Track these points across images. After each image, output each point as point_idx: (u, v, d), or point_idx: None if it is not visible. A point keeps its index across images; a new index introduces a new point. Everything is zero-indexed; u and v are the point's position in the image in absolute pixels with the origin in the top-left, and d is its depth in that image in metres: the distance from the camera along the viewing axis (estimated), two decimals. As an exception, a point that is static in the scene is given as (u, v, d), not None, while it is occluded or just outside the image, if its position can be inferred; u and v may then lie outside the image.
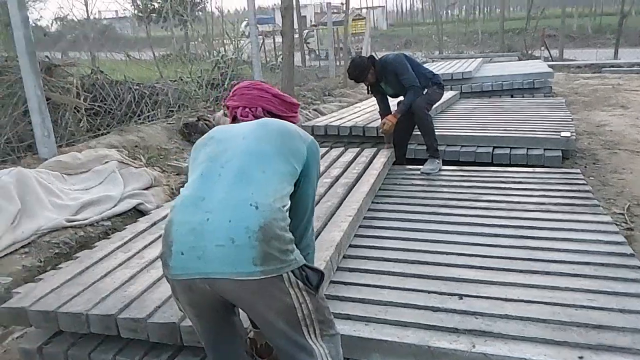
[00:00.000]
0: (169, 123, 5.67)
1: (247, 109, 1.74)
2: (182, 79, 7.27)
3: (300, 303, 1.38)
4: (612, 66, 12.71)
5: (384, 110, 4.52)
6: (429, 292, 2.27)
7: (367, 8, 29.44)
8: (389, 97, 4.54)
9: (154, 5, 12.39)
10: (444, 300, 2.19)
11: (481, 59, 10.89)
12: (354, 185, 3.51)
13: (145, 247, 2.66)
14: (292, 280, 1.35)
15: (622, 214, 3.63)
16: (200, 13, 13.27)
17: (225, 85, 7.48)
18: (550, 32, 19.07)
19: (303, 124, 5.70)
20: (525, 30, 18.77)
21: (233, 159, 1.48)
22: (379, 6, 32.60)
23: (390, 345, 1.94)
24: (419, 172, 4.18)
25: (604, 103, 8.01)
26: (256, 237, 1.30)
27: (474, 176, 4.01)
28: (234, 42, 9.00)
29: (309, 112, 6.99)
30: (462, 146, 4.88)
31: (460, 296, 2.23)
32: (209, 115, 5.85)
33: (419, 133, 4.39)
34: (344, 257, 2.67)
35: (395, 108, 4.35)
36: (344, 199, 3.24)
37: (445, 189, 3.76)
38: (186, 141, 5.43)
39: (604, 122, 6.62)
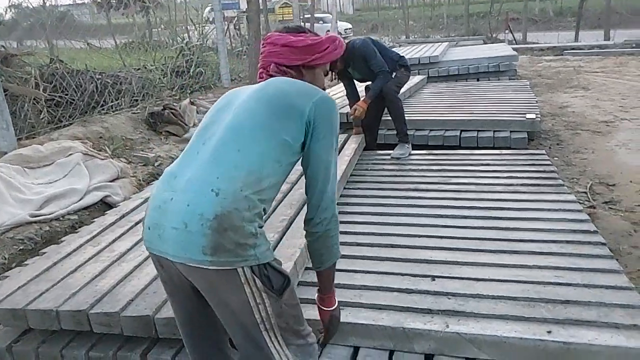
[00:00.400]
0: (134, 113, 5.54)
1: (261, 70, 1.60)
2: (145, 67, 7.10)
3: (257, 303, 1.29)
4: (573, 49, 13.00)
5: (352, 95, 4.52)
6: (403, 274, 2.30)
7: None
8: (356, 82, 4.54)
9: (114, -9, 12.00)
10: (417, 282, 2.23)
11: (447, 43, 10.98)
12: (325, 172, 3.51)
13: (115, 240, 2.61)
14: (248, 276, 1.26)
15: (585, 193, 3.75)
16: (162, -1, 12.96)
17: (191, 73, 7.35)
18: (514, 16, 19.34)
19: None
20: (490, 14, 18.99)
21: (215, 134, 1.38)
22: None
23: (366, 328, 1.96)
24: (389, 157, 4.21)
25: (566, 85, 8.21)
26: (209, 225, 1.22)
27: (443, 160, 4.06)
28: (198, 28, 8.83)
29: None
30: (431, 130, 4.93)
31: (433, 277, 2.26)
32: (174, 104, 5.74)
33: (389, 118, 4.41)
34: (317, 243, 2.67)
35: (363, 92, 4.36)
36: (316, 185, 3.24)
37: (415, 173, 3.80)
38: (152, 131, 5.32)
39: (566, 104, 6.80)
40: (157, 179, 4.16)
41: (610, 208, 3.50)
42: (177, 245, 1.27)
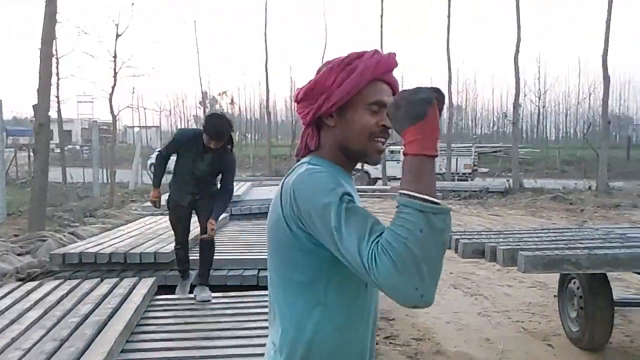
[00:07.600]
0: None
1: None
2: None
3: None
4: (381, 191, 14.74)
5: (161, 175, 4.13)
6: None
7: (139, 127, 29.25)
8: (188, 172, 3.99)
9: None
10: None
11: (251, 182, 11.57)
12: (106, 323, 3.15)
13: None
14: None
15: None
16: None
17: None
18: (312, 159, 21.59)
19: (52, 252, 5.04)
20: (291, 157, 20.87)
21: None
22: (153, 126, 32.44)
23: None
24: (182, 302, 4.00)
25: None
26: None
27: (239, 302, 4.00)
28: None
29: (64, 235, 6.28)
30: (230, 270, 4.89)
31: None
32: None
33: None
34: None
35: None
36: (92, 341, 2.86)
37: (209, 319, 3.64)
38: None
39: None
40: None
41: (391, 343, 3.76)
42: None
